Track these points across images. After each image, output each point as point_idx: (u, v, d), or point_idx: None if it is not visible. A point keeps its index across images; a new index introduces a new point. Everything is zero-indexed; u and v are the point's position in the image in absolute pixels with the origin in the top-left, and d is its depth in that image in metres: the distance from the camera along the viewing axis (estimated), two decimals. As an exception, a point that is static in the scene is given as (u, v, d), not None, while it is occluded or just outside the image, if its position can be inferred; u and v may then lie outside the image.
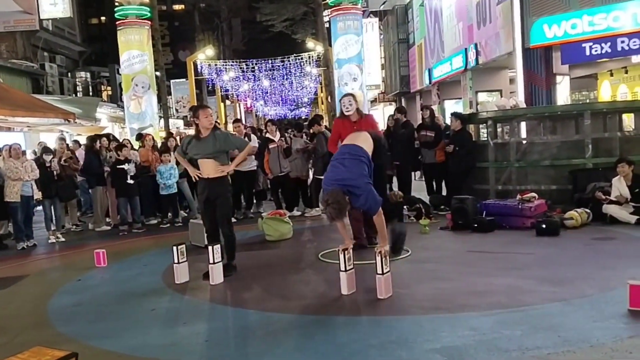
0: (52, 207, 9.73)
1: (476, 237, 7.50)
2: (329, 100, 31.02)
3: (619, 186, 7.78)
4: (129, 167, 9.95)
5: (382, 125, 12.50)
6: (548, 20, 12.79)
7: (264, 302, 5.19)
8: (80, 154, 11.42)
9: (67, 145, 11.97)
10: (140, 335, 4.50)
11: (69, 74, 26.16)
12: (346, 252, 5.14)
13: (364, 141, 5.68)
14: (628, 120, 10.68)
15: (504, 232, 7.68)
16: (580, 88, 16.89)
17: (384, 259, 4.94)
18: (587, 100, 16.89)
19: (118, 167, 9.94)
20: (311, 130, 10.73)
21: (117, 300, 5.64)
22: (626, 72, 14.52)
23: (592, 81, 16.37)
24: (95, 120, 19.03)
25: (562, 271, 5.54)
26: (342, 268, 5.12)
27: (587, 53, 12.41)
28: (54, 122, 15.09)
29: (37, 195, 9.80)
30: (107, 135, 12.34)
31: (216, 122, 14.69)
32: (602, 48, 12.24)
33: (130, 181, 9.95)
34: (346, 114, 6.84)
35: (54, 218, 9.86)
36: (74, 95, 24.59)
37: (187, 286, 5.89)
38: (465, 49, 17.85)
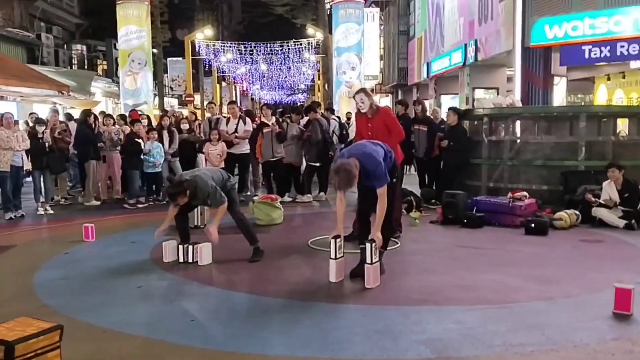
0: (41, 179, 9.66)
1: (465, 233, 7.54)
2: (326, 88, 30.96)
3: (609, 190, 7.83)
4: (150, 144, 10.01)
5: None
6: (549, 21, 12.78)
7: (251, 285, 5.20)
8: (73, 127, 11.31)
9: (58, 119, 11.85)
10: (125, 312, 4.49)
11: (65, 45, 25.87)
12: (337, 240, 5.13)
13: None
14: (622, 125, 10.72)
15: (493, 229, 7.72)
16: (576, 90, 16.91)
17: (373, 249, 4.95)
18: (583, 103, 16.93)
19: (136, 139, 9.98)
20: (307, 117, 10.70)
21: (104, 275, 5.62)
22: (623, 77, 14.54)
23: (589, 84, 16.40)
24: (90, 94, 18.85)
25: (549, 271, 5.58)
26: (332, 256, 5.12)
27: (586, 56, 12.42)
28: (48, 93, 14.95)
29: (28, 166, 9.72)
30: (105, 114, 12.28)
31: (211, 102, 14.59)
32: (601, 52, 12.25)
33: (144, 156, 10.00)
34: (361, 110, 6.79)
35: (43, 190, 9.79)
36: (69, 67, 24.32)
37: (175, 265, 5.88)
38: (465, 44, 17.83)
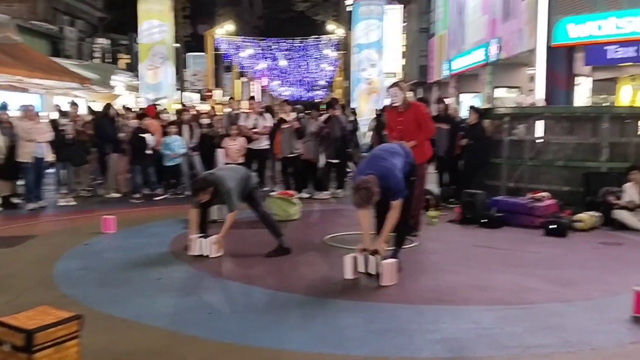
0: (63, 171, 9.78)
1: (483, 232, 7.49)
2: (345, 84, 30.89)
3: (631, 192, 7.72)
4: (152, 138, 10.00)
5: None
6: (573, 20, 12.63)
7: (268, 280, 5.21)
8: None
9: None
10: (144, 303, 4.54)
11: (88, 39, 26.15)
12: (363, 254, 5.08)
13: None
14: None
15: (512, 229, 7.64)
16: (599, 91, 16.69)
17: (378, 262, 4.97)
18: (606, 104, 16.70)
19: (140, 135, 9.98)
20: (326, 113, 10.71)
21: (123, 267, 5.69)
22: (648, 77, 14.34)
23: (612, 85, 16.17)
24: (111, 88, 19.05)
25: (568, 272, 5.52)
26: (362, 269, 5.08)
27: (611, 56, 12.26)
28: (70, 86, 15.13)
29: (50, 158, 9.85)
30: (125, 107, 12.36)
31: (231, 98, 14.64)
32: (626, 52, 12.07)
33: (149, 151, 10.00)
34: (393, 105, 6.78)
35: (65, 181, 9.92)
36: (91, 61, 24.58)
37: (193, 258, 5.92)
38: (487, 43, 17.68)
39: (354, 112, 14.35)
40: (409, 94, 7.76)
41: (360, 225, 5.30)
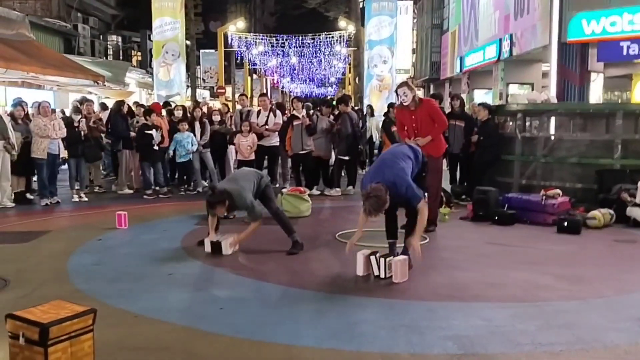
0: (77, 167, 9.86)
1: (496, 230, 7.45)
2: (357, 81, 30.86)
3: (646, 190, 7.64)
4: (156, 134, 10.01)
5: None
6: (587, 16, 12.49)
7: (280, 276, 5.23)
8: (105, 116, 11.49)
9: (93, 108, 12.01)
10: (156, 298, 4.58)
11: (101, 36, 26.31)
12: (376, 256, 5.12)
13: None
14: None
15: (524, 226, 7.61)
16: (613, 87, 16.50)
17: (400, 264, 4.99)
18: (620, 101, 16.54)
19: (146, 132, 10.00)
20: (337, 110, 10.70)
21: (135, 262, 5.73)
22: (663, 74, 14.16)
23: (627, 81, 15.97)
24: (124, 85, 19.16)
25: (581, 270, 5.49)
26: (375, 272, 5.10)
27: (625, 52, 12.12)
28: (84, 83, 15.22)
29: (63, 154, 9.93)
30: (138, 104, 12.41)
31: (243, 94, 14.67)
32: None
33: (156, 147, 10.03)
34: (404, 104, 6.83)
35: (78, 177, 10.00)
36: (104, 58, 24.75)
37: (205, 254, 5.95)
38: (500, 39, 17.56)
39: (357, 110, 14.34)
40: (418, 92, 7.83)
41: (358, 222, 5.31)
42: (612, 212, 7.67)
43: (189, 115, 11.24)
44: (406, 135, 6.86)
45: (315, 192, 10.18)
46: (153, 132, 9.99)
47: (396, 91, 7.11)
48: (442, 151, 7.24)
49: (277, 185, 10.96)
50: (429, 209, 6.08)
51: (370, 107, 15.32)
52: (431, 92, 26.30)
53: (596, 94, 13.71)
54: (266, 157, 10.74)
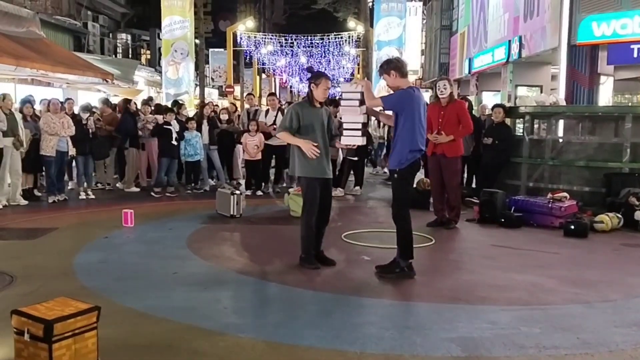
0: (85, 164, 9.90)
1: (502, 232, 7.42)
2: (365, 82, 30.76)
3: (654, 194, 7.59)
4: (177, 127, 10.06)
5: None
6: (597, 18, 12.41)
7: (285, 276, 5.23)
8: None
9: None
10: (161, 297, 4.59)
11: (111, 34, 26.41)
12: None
13: None
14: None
15: (531, 229, 7.57)
16: (623, 90, 16.40)
17: None
18: (630, 104, 16.44)
19: (165, 127, 10.05)
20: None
21: (141, 260, 5.75)
22: (673, 77, 14.05)
23: (637, 84, 15.88)
24: (133, 83, 19.23)
25: (587, 274, 5.46)
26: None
27: (635, 55, 12.02)
28: (93, 81, 15.28)
29: (72, 151, 9.98)
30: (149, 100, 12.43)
31: (250, 94, 14.69)
32: (650, 51, 11.85)
33: (175, 142, 10.06)
34: (440, 97, 7.03)
35: (86, 175, 10.03)
36: (113, 56, 24.85)
37: (210, 253, 5.96)
38: (509, 40, 17.48)
39: None
40: (426, 93, 8.05)
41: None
42: (619, 216, 7.62)
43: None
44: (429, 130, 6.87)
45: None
46: (174, 125, 10.05)
47: (436, 83, 7.23)
48: (456, 153, 7.33)
49: (285, 185, 10.98)
50: (452, 206, 6.22)
51: None
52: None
53: (605, 96, 13.61)
54: (274, 156, 10.74)
